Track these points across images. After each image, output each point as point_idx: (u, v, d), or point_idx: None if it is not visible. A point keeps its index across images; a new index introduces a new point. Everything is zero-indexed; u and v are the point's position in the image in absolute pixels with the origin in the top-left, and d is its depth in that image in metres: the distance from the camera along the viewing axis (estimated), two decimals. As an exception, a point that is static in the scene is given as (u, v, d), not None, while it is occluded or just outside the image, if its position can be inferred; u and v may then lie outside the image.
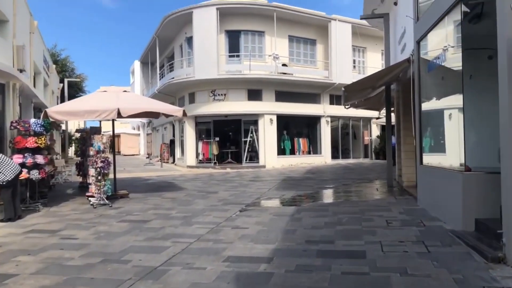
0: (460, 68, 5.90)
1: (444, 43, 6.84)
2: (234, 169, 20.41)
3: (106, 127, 47.95)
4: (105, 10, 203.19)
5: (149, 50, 27.71)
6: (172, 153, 26.33)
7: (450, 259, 4.58)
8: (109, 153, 9.89)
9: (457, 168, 6.24)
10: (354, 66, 24.72)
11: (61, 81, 23.71)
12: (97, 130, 10.13)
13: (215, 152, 21.88)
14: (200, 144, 22.12)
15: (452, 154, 6.85)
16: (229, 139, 23.52)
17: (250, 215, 7.74)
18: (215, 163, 21.71)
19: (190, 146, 22.20)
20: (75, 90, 26.34)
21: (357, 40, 23.76)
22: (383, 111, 26.66)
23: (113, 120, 10.50)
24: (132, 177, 17.07)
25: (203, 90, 21.45)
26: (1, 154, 7.76)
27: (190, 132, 22.21)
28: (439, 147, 7.76)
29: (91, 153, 9.60)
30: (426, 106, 7.99)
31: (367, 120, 25.97)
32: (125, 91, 10.55)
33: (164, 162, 27.51)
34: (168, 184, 13.96)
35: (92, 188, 9.54)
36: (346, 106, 12.99)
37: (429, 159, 7.97)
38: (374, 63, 24.61)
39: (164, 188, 12.51)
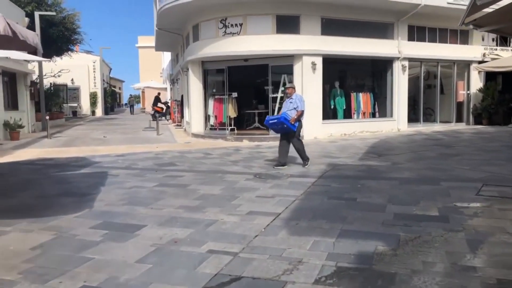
0: None
1: None
2: (254, 141, 13.34)
3: (147, 80, 40.88)
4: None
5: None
6: (183, 114, 19.71)
7: None
8: None
9: None
10: (449, -19, 15.87)
11: (29, 15, 17.56)
12: None
13: (231, 114, 14.86)
14: (211, 103, 15.15)
15: None
16: (255, 94, 16.35)
17: None
18: (231, 129, 14.79)
19: (196, 106, 15.30)
20: (59, 30, 20.08)
21: None
22: (491, 51, 17.87)
23: None
24: (81, 155, 10.65)
25: (209, 19, 14.06)
26: None
27: (195, 85, 15.22)
28: None
29: None
30: None
31: (465, 65, 17.24)
32: None
33: (176, 125, 21.07)
34: (96, 182, 7.31)
35: None
36: (473, 12, 5.24)
37: None
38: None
39: (54, 203, 5.88)
